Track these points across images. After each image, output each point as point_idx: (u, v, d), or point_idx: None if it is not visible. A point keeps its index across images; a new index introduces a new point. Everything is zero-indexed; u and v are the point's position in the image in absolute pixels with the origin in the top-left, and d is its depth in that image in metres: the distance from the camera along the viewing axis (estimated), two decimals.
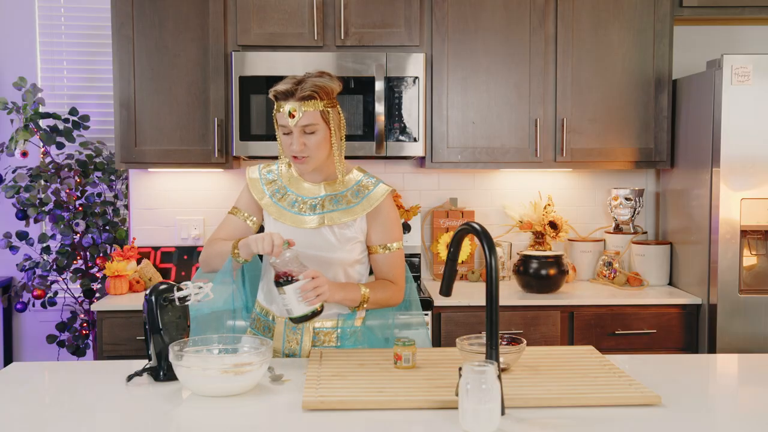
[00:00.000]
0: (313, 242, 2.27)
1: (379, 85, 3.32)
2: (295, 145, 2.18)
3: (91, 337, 3.95)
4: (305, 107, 2.16)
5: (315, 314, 2.14)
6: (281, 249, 2.07)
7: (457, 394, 1.68)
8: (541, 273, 3.37)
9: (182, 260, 3.71)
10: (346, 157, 3.46)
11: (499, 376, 1.64)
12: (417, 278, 3.73)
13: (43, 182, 3.82)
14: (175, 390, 1.95)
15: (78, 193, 3.89)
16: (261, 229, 2.39)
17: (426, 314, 3.21)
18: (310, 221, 2.26)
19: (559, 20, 3.49)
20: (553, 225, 3.74)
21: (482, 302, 3.23)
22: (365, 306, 2.26)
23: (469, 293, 3.40)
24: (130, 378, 2.00)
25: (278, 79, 3.35)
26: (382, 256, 2.33)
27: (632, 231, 3.76)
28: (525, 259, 3.41)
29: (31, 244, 3.92)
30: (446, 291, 2.04)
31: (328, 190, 2.30)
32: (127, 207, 3.93)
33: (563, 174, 3.88)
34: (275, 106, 2.22)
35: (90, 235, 3.84)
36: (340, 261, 2.27)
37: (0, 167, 4.13)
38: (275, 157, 3.34)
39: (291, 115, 2.16)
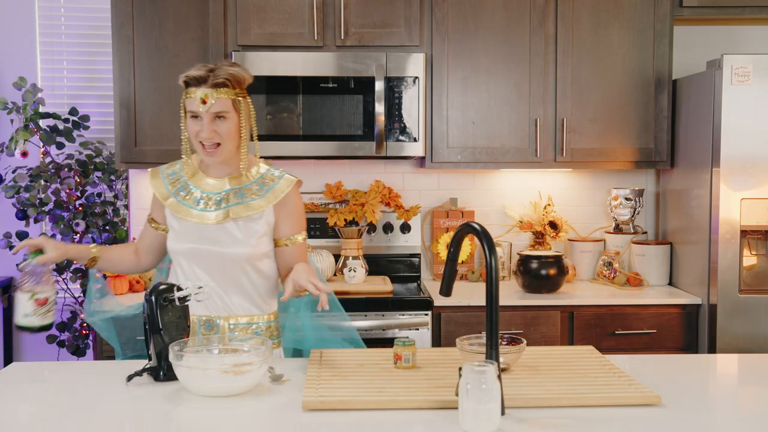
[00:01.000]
0: (218, 238, 2.26)
1: (379, 85, 3.32)
2: (205, 132, 2.18)
3: (91, 337, 3.95)
4: (218, 94, 2.18)
5: (43, 329, 2.17)
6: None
7: (457, 394, 1.68)
8: (541, 273, 3.36)
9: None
10: (346, 158, 3.49)
11: (499, 376, 1.64)
12: (417, 278, 3.73)
13: (43, 182, 3.82)
14: (175, 390, 1.95)
15: (78, 193, 3.89)
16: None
17: (426, 314, 3.21)
18: (215, 216, 2.25)
19: (559, 20, 3.49)
20: (553, 225, 3.74)
21: (482, 302, 3.23)
22: None
23: (469, 293, 3.40)
24: (130, 378, 2.00)
25: (278, 79, 3.39)
26: (290, 248, 2.32)
27: (632, 231, 3.76)
28: (525, 259, 3.41)
29: None
30: (446, 291, 2.04)
31: (232, 183, 2.29)
32: (127, 207, 3.93)
33: (563, 174, 3.88)
34: (184, 93, 2.22)
35: (90, 235, 3.84)
36: (247, 256, 2.26)
37: (0, 167, 4.13)
38: (274, 158, 3.35)
39: (203, 101, 2.17)
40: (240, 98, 2.23)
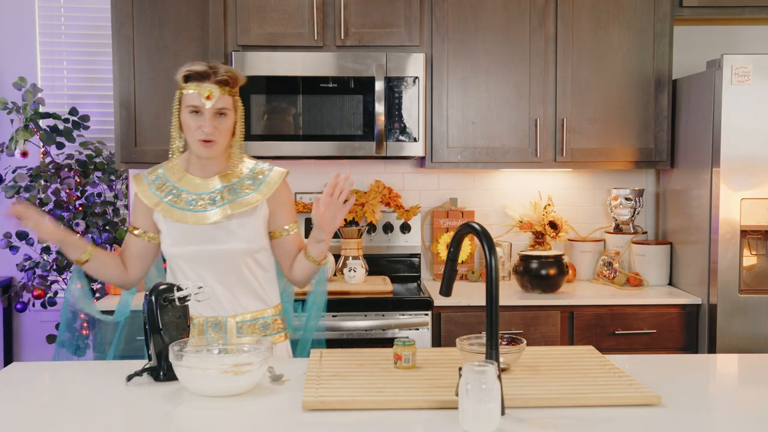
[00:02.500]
0: (217, 236, 2.26)
1: (379, 85, 3.32)
2: (207, 127, 2.20)
3: (90, 338, 3.95)
4: (222, 91, 2.21)
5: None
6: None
7: (457, 394, 1.68)
8: (541, 273, 3.36)
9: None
10: (346, 158, 3.49)
11: (499, 376, 1.64)
12: (417, 278, 3.73)
13: (43, 182, 3.82)
14: (175, 390, 1.95)
15: (78, 193, 3.89)
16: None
17: (426, 314, 3.21)
18: (213, 215, 2.26)
19: (559, 20, 3.49)
20: (553, 225, 3.74)
21: (482, 302, 3.23)
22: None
23: (469, 293, 3.40)
24: (130, 378, 2.00)
25: (278, 79, 3.39)
26: (288, 237, 2.35)
27: (632, 231, 3.76)
28: (525, 259, 3.41)
29: (31, 244, 3.92)
30: (446, 291, 2.04)
31: (223, 181, 2.30)
32: (127, 207, 3.93)
33: (563, 174, 3.88)
34: (181, 87, 2.24)
35: (90, 235, 3.84)
36: (246, 251, 2.28)
37: (0, 167, 4.13)
38: (274, 158, 3.35)
39: (208, 97, 2.19)
40: (237, 97, 2.27)
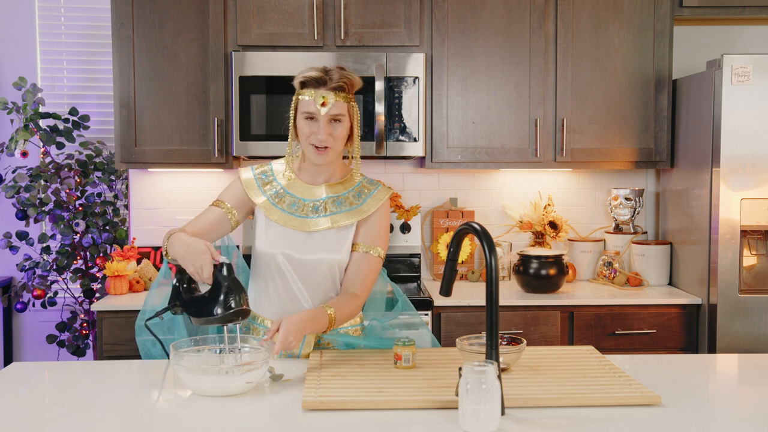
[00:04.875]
0: (313, 245, 2.25)
1: (379, 85, 3.32)
2: (321, 134, 2.16)
3: (91, 337, 3.95)
4: (336, 97, 2.16)
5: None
6: (210, 277, 1.99)
7: (457, 394, 1.68)
8: (541, 273, 3.36)
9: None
10: (346, 158, 3.47)
11: (499, 376, 1.64)
12: (417, 278, 3.73)
13: (43, 182, 3.83)
14: (175, 390, 1.95)
15: (78, 193, 3.90)
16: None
17: (426, 314, 3.21)
18: (320, 223, 2.23)
19: (559, 20, 3.49)
20: (553, 225, 3.74)
21: (482, 302, 3.23)
22: (332, 327, 2.17)
23: (469, 293, 3.40)
24: (149, 319, 2.12)
25: (278, 79, 3.39)
26: (360, 255, 2.27)
27: (632, 231, 3.76)
28: (525, 259, 3.41)
29: (31, 244, 3.92)
30: (446, 291, 2.04)
31: (329, 191, 2.28)
32: (127, 207, 3.93)
33: (563, 174, 3.88)
34: (297, 93, 2.20)
35: (90, 235, 3.84)
36: (337, 263, 2.26)
37: (0, 167, 4.13)
38: (274, 157, 3.35)
39: (323, 104, 2.15)
40: (353, 103, 2.22)
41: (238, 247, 2.55)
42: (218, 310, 1.96)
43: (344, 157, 2.36)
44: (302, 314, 2.08)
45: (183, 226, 2.24)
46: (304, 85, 2.20)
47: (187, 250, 2.02)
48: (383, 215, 2.31)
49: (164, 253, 2.13)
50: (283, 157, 2.32)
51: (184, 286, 2.07)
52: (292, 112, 2.24)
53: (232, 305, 1.96)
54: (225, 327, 2.02)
